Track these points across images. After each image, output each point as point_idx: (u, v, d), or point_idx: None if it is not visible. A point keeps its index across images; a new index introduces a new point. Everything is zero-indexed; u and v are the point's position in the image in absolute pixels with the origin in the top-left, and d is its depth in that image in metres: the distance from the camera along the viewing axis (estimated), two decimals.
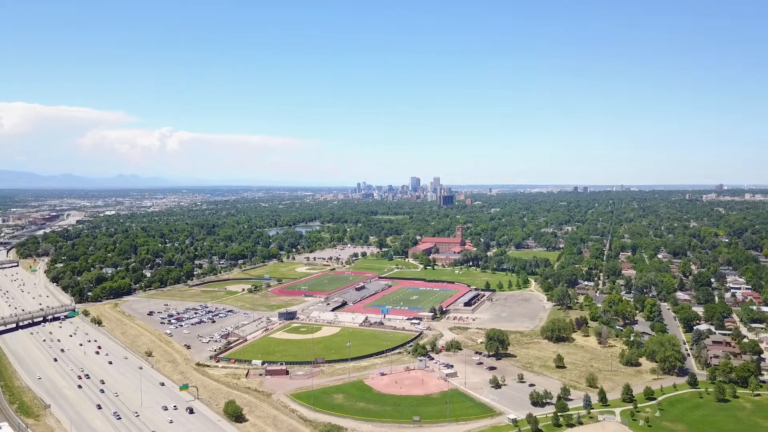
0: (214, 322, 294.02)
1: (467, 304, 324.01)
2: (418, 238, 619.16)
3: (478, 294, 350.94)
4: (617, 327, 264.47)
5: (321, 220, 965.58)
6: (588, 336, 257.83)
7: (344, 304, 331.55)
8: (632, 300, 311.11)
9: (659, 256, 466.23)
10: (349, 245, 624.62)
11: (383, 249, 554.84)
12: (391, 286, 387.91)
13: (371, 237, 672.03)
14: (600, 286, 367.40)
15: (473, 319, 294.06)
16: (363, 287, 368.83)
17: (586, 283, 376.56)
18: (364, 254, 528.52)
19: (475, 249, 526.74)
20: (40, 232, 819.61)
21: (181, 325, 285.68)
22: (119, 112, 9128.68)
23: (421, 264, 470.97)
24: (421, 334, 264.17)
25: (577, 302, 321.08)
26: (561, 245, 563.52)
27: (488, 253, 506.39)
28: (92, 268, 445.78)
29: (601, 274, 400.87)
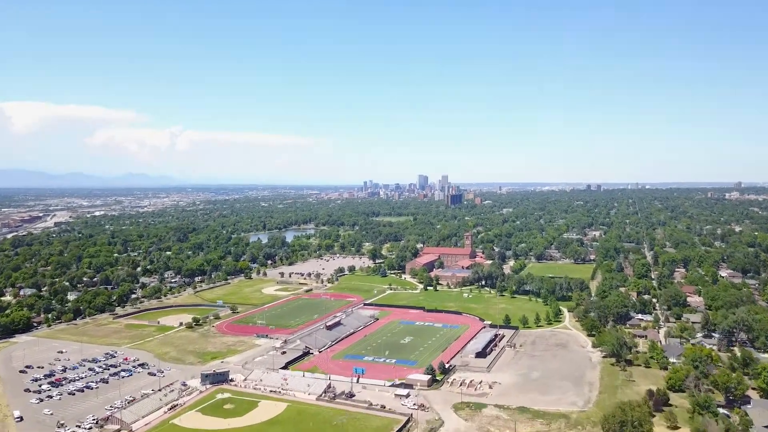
0: (108, 383, 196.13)
1: (480, 354, 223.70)
2: (419, 246, 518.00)
3: (496, 335, 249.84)
4: (718, 408, 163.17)
5: (316, 222, 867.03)
6: (677, 429, 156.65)
7: (306, 353, 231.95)
8: (716, 348, 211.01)
9: (723, 274, 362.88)
10: (338, 255, 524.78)
11: (377, 261, 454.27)
12: (377, 319, 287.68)
13: (366, 244, 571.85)
14: (660, 322, 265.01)
15: (490, 385, 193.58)
16: (338, 323, 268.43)
17: (640, 316, 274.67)
18: (352, 269, 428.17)
19: (488, 262, 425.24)
20: (11, 235, 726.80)
21: (51, 396, 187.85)
22: (130, 110, 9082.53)
23: (421, 283, 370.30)
24: (409, 419, 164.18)
25: (636, 351, 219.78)
26: (592, 257, 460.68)
27: (505, 268, 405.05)
28: (10, 288, 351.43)
29: (657, 302, 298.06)
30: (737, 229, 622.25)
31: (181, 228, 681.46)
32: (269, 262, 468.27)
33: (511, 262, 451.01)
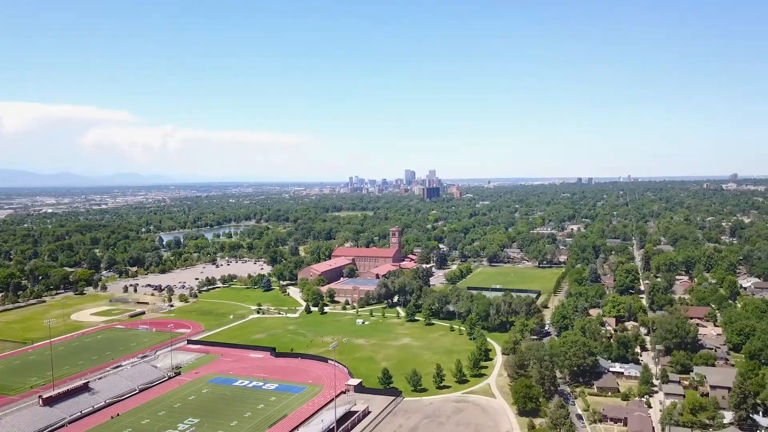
0: None
1: None
2: (347, 246, 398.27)
3: (347, 414, 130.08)
4: None
5: (258, 218, 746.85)
6: None
7: None
8: None
9: (744, 284, 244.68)
10: (240, 259, 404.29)
11: (275, 266, 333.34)
12: (179, 374, 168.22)
13: (291, 243, 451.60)
14: (655, 381, 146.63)
15: None
16: (81, 390, 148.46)
17: (619, 367, 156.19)
18: (230, 279, 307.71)
19: (418, 268, 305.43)
20: None
21: None
22: (123, 110, 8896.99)
23: (308, 300, 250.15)
24: None
25: None
26: (562, 258, 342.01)
27: (438, 276, 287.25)
28: None
29: (649, 336, 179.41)
30: (746, 220, 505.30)
31: (86, 226, 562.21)
32: (134, 269, 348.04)
33: (455, 266, 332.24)
